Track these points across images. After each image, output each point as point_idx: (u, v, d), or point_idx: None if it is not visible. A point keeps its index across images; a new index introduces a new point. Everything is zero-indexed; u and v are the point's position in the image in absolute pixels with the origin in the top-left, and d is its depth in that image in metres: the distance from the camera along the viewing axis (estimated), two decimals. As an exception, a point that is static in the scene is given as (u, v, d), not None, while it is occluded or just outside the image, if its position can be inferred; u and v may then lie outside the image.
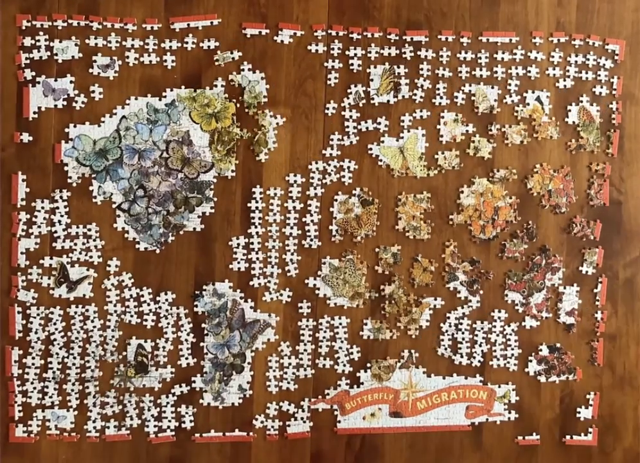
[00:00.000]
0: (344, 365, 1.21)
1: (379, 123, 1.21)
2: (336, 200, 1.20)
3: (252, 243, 1.19)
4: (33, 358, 1.15)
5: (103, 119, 1.16)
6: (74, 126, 1.15)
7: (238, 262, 1.19)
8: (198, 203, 1.17)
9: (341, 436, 1.21)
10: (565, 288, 1.23)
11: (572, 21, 1.24)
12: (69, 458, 1.16)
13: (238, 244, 1.19)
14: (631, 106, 1.25)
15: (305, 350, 1.20)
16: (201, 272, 1.18)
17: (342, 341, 1.21)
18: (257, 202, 1.19)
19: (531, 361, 1.23)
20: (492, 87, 1.21)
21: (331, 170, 1.21)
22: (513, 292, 1.22)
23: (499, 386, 1.23)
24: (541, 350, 1.23)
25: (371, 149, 1.20)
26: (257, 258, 1.19)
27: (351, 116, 1.20)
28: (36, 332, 1.15)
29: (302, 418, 1.20)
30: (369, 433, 1.21)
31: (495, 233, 1.21)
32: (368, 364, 1.21)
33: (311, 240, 1.20)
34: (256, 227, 1.19)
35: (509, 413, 1.23)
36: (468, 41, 1.22)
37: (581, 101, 1.23)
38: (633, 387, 1.25)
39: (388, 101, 1.21)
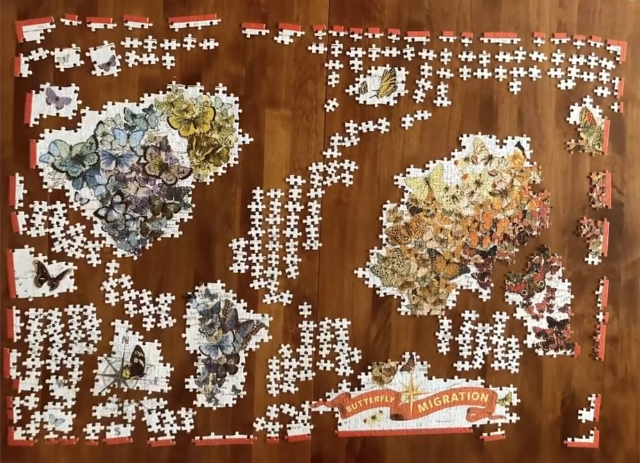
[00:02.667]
0: (345, 368, 1.20)
1: (380, 125, 1.20)
2: (384, 208, 1.19)
3: (252, 245, 1.18)
4: (33, 360, 1.14)
5: (80, 124, 1.14)
6: (50, 131, 1.14)
7: (238, 264, 1.18)
8: (176, 209, 1.16)
9: (342, 438, 1.20)
10: (557, 284, 1.22)
11: (574, 22, 1.23)
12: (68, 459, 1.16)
13: (238, 246, 1.18)
14: (633, 107, 1.25)
15: (306, 352, 1.20)
16: (201, 274, 1.17)
17: (342, 344, 1.20)
18: (257, 203, 1.18)
19: (530, 333, 1.22)
20: (490, 137, 1.21)
21: (332, 172, 1.20)
22: (513, 294, 1.22)
23: (501, 389, 1.23)
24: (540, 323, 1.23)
25: (397, 180, 1.20)
26: (258, 260, 1.19)
27: (352, 117, 1.20)
28: (34, 335, 1.14)
29: (302, 421, 1.20)
30: (370, 436, 1.20)
31: (493, 245, 1.21)
32: (369, 367, 1.20)
33: (312, 242, 1.19)
34: (256, 229, 1.18)
35: (511, 415, 1.23)
36: (470, 42, 1.21)
37: (584, 103, 1.23)
38: (635, 389, 1.25)
39: (388, 103, 1.20)
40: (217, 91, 1.17)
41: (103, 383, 1.15)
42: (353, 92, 1.20)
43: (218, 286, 1.17)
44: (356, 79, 1.20)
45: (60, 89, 1.14)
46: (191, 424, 1.17)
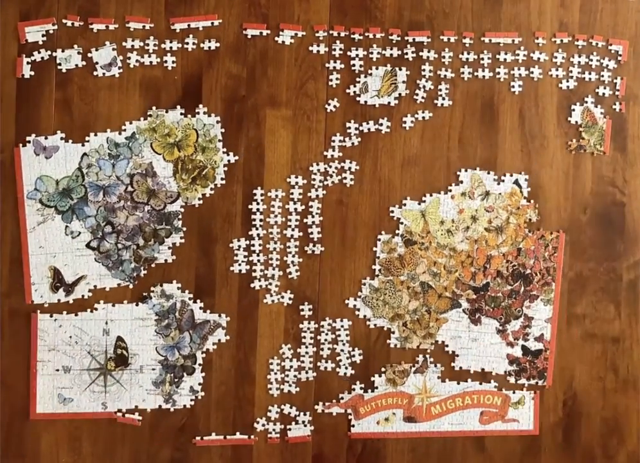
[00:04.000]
0: (346, 368, 1.20)
1: (381, 125, 1.20)
2: (379, 239, 1.19)
3: (253, 245, 1.18)
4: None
5: (64, 157, 1.14)
6: (34, 167, 1.14)
7: (239, 264, 1.18)
8: (167, 234, 1.16)
9: (343, 439, 1.20)
10: (535, 313, 1.21)
11: (575, 21, 1.23)
12: (68, 462, 1.16)
13: (239, 246, 1.18)
14: (635, 106, 1.24)
15: (307, 352, 1.20)
16: (202, 274, 1.18)
17: (343, 344, 1.20)
18: (258, 203, 1.19)
19: (503, 359, 1.22)
20: (488, 173, 1.21)
21: (333, 172, 1.20)
22: (489, 318, 1.21)
23: (514, 392, 1.22)
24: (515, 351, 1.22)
25: (392, 212, 1.20)
26: (259, 260, 1.19)
27: (352, 117, 1.20)
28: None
29: (303, 422, 1.19)
30: (383, 438, 1.20)
31: (486, 282, 1.20)
32: (382, 369, 1.20)
33: (314, 245, 1.19)
34: (257, 229, 1.19)
35: (524, 419, 1.22)
36: (471, 42, 1.21)
37: (586, 102, 1.23)
38: (637, 389, 1.24)
39: (389, 103, 1.20)
40: (198, 113, 1.17)
41: (89, 378, 1.15)
42: (354, 92, 1.20)
43: (174, 286, 1.17)
44: (357, 79, 1.20)
45: (45, 138, 1.14)
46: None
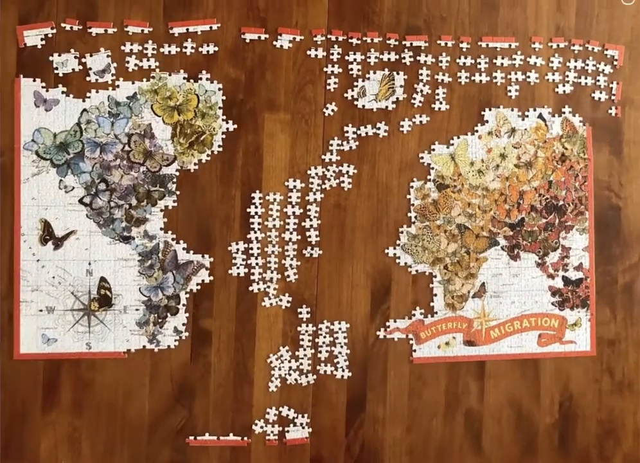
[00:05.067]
0: (343, 370, 1.21)
1: (378, 128, 1.21)
2: (412, 187, 1.20)
3: (252, 248, 1.19)
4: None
5: (64, 111, 1.15)
6: (33, 119, 1.15)
7: (238, 267, 1.19)
8: (161, 197, 1.17)
9: (340, 441, 1.21)
10: (572, 243, 1.23)
11: (572, 26, 1.24)
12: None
13: (237, 249, 1.19)
14: (631, 111, 1.25)
15: (305, 355, 1.20)
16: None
17: (341, 346, 1.21)
18: (256, 207, 1.19)
19: (545, 291, 1.23)
20: (512, 110, 1.23)
21: (330, 175, 1.21)
22: (527, 253, 1.22)
23: (572, 309, 1.23)
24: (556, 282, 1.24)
25: (422, 158, 1.21)
26: (257, 264, 1.19)
27: (350, 121, 1.20)
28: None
29: (301, 424, 1.20)
30: (444, 362, 1.22)
31: (521, 217, 1.21)
32: (443, 294, 1.21)
33: (312, 248, 1.20)
34: (255, 232, 1.19)
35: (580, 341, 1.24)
36: (468, 46, 1.22)
37: (564, 113, 1.23)
38: (633, 392, 1.25)
39: (386, 107, 1.21)
40: (200, 79, 1.17)
41: (73, 318, 1.16)
42: (352, 96, 1.20)
43: (156, 226, 1.17)
44: (355, 83, 1.20)
45: (47, 91, 1.14)
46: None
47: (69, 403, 1.16)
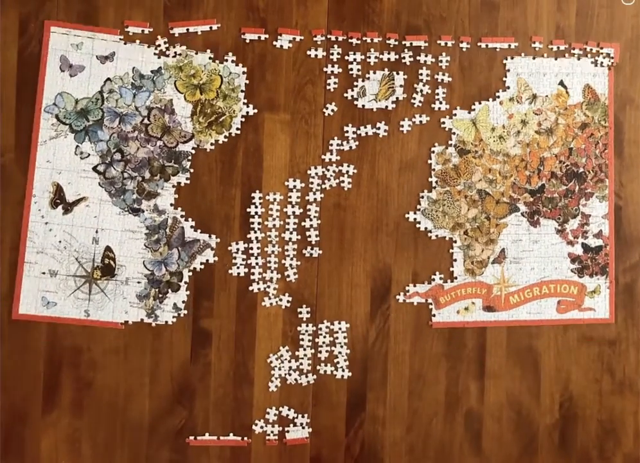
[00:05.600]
0: (343, 370, 1.21)
1: (378, 128, 1.21)
2: (433, 151, 1.20)
3: (252, 248, 1.19)
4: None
5: (88, 78, 1.15)
6: (57, 82, 1.15)
7: (238, 267, 1.19)
8: (174, 173, 1.17)
9: (340, 441, 1.21)
10: (591, 211, 1.23)
11: (572, 26, 1.24)
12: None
13: (237, 249, 1.19)
14: (631, 110, 1.25)
15: (305, 355, 1.20)
16: (201, 277, 1.18)
17: (341, 346, 1.21)
18: (256, 207, 1.19)
19: (565, 258, 1.23)
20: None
21: (330, 175, 1.21)
22: (547, 219, 1.22)
23: (591, 276, 1.23)
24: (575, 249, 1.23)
25: (444, 123, 1.21)
26: (257, 264, 1.19)
27: (350, 121, 1.20)
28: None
29: (301, 424, 1.20)
30: (463, 327, 1.21)
31: (542, 183, 1.21)
32: (462, 259, 1.21)
33: (312, 248, 1.20)
34: (255, 232, 1.19)
35: (599, 308, 1.23)
36: (468, 46, 1.22)
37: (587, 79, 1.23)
38: (633, 392, 1.25)
39: (386, 106, 1.21)
40: (226, 60, 1.18)
41: (75, 284, 1.16)
42: (352, 96, 1.20)
43: (167, 202, 1.17)
44: (355, 83, 1.20)
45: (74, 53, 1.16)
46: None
47: (69, 403, 1.17)
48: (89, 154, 1.16)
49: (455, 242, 1.21)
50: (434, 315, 1.21)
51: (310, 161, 1.20)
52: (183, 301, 1.18)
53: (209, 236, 1.18)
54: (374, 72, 1.21)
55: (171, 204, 1.17)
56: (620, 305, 1.25)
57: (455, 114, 1.21)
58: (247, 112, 1.18)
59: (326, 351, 1.21)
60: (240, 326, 1.19)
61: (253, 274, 1.19)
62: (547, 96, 1.22)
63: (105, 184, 1.16)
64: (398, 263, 1.21)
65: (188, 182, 1.18)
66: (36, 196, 1.15)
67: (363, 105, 1.21)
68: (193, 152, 1.17)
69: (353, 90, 1.20)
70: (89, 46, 1.16)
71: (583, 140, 1.22)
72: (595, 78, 1.23)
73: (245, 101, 1.18)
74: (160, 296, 1.17)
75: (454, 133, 1.21)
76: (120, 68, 1.16)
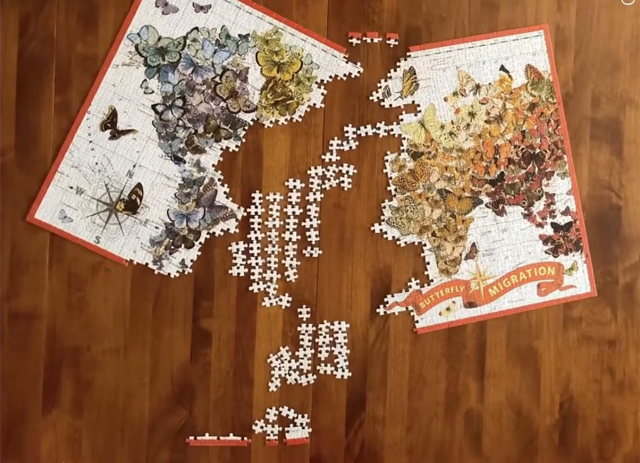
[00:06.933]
0: (343, 370, 1.21)
1: (378, 128, 1.21)
2: (386, 160, 1.20)
3: (252, 248, 1.19)
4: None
5: (178, 21, 1.16)
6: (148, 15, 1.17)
7: (238, 267, 1.19)
8: (227, 137, 1.18)
9: (340, 441, 1.21)
10: (555, 189, 1.22)
11: (572, 26, 1.24)
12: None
13: (237, 250, 1.19)
14: (631, 111, 1.25)
15: (305, 355, 1.20)
16: (201, 277, 1.18)
17: (341, 346, 1.21)
18: (256, 207, 1.19)
19: (537, 241, 1.23)
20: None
21: (330, 175, 1.21)
22: (512, 206, 1.22)
23: (566, 254, 1.22)
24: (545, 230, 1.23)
25: (392, 130, 1.20)
26: (257, 264, 1.19)
27: (350, 121, 1.20)
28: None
29: (301, 424, 1.20)
30: (448, 328, 1.21)
31: (500, 172, 1.21)
32: (435, 261, 1.20)
33: (312, 248, 1.20)
34: (255, 232, 1.19)
35: (580, 284, 1.23)
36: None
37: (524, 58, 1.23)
38: (633, 392, 1.25)
39: (413, 101, 1.20)
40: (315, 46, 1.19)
41: (96, 208, 1.17)
42: (378, 98, 1.20)
43: (210, 162, 1.18)
44: (378, 84, 1.20)
45: None
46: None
47: (68, 403, 1.17)
48: (153, 91, 1.16)
49: (425, 245, 1.21)
50: (417, 321, 1.21)
51: (310, 161, 1.20)
52: (191, 260, 1.18)
53: (238, 208, 1.18)
54: (395, 70, 1.20)
55: (213, 165, 1.18)
56: (620, 305, 1.25)
57: (402, 120, 1.20)
58: (314, 104, 1.19)
59: (326, 351, 1.21)
60: (240, 327, 1.19)
61: (253, 274, 1.19)
62: (490, 83, 1.21)
63: (157, 125, 1.17)
64: (398, 263, 1.21)
65: (237, 149, 1.18)
66: (91, 113, 1.16)
67: (390, 105, 1.20)
68: (251, 123, 1.18)
69: (377, 91, 1.20)
70: (186, -8, 1.18)
71: (534, 121, 1.22)
72: (535, 57, 1.22)
73: (319, 90, 1.18)
74: (172, 247, 1.17)
75: (404, 138, 1.20)
76: (211, 21, 1.17)
